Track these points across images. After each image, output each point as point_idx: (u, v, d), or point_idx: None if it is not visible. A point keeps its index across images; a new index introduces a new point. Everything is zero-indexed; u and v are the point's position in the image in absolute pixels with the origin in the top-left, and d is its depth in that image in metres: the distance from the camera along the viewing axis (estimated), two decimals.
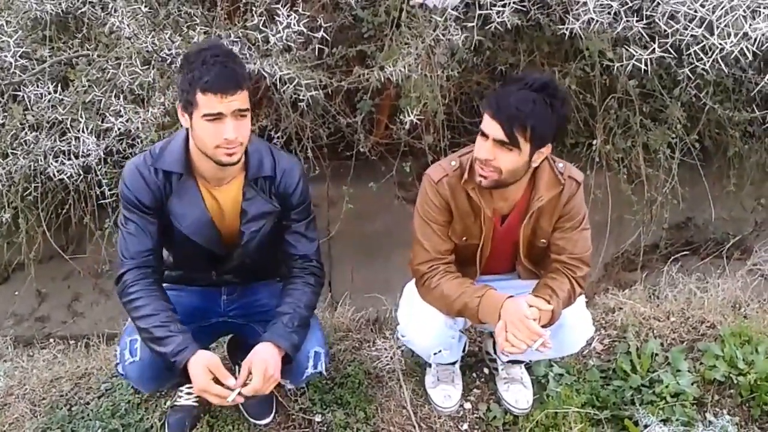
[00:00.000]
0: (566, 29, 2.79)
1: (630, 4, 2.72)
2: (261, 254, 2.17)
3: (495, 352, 2.62)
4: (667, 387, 2.56)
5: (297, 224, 2.15)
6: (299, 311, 2.08)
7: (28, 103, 2.94)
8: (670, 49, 2.68)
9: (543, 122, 1.91)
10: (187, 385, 2.44)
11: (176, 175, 2.01)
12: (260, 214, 2.08)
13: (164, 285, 2.25)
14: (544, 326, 2.04)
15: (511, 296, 2.04)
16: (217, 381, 1.93)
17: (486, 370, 2.73)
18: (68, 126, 2.91)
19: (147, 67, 2.79)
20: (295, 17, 2.68)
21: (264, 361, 1.96)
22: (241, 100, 1.84)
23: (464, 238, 2.20)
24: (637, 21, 2.71)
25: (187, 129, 1.96)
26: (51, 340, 3.20)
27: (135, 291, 2.01)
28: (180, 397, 2.47)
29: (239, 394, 1.94)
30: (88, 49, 2.97)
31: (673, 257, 3.56)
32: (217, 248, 2.13)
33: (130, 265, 2.03)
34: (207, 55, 1.82)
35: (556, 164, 2.12)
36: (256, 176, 2.05)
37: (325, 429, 2.48)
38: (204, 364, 1.92)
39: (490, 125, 1.94)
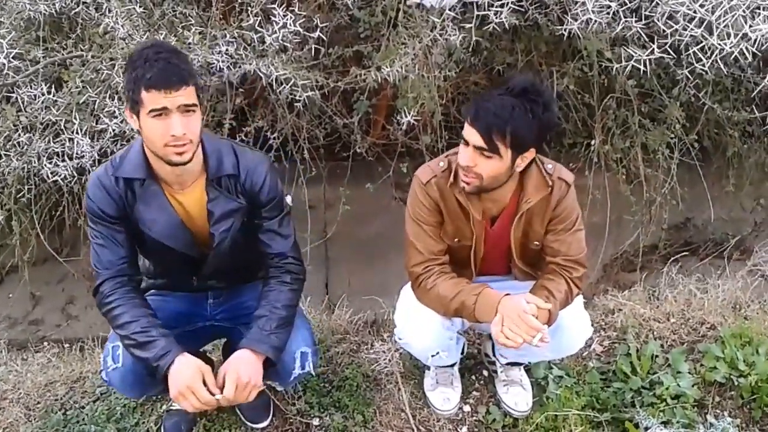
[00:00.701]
0: (564, 29, 2.79)
1: (629, 5, 2.73)
2: (237, 255, 2.14)
3: (494, 355, 2.61)
4: (667, 389, 2.56)
5: (269, 222, 2.12)
6: (276, 312, 2.05)
7: (21, 105, 2.94)
8: (669, 49, 2.69)
9: (523, 128, 1.91)
10: None
11: (138, 182, 1.99)
12: (226, 212, 2.05)
13: (150, 293, 2.25)
14: None
15: (509, 294, 2.04)
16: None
17: (485, 373, 2.73)
18: (62, 127, 2.91)
19: None
20: (291, 17, 2.68)
21: (236, 370, 1.94)
22: (186, 95, 1.81)
23: (456, 239, 2.20)
24: (635, 21, 2.72)
25: (139, 133, 1.94)
26: (45, 343, 3.19)
27: (113, 300, 1.99)
28: None
29: (217, 400, 1.92)
30: (82, 50, 2.96)
31: (672, 258, 3.56)
32: (191, 251, 2.10)
33: (106, 275, 2.02)
34: (149, 53, 1.80)
35: (545, 166, 2.12)
36: (216, 175, 2.02)
37: None
38: (195, 364, 1.91)
39: (469, 132, 1.94)
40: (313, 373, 2.25)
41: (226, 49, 2.76)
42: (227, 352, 2.53)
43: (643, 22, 2.72)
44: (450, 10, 2.76)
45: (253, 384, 1.95)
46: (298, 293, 2.16)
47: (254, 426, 2.48)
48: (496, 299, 2.02)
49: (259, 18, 2.74)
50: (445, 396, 2.58)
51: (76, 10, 2.93)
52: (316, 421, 2.51)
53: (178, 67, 1.81)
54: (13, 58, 2.86)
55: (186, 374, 1.89)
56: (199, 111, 1.88)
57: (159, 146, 1.85)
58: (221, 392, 1.92)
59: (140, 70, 1.79)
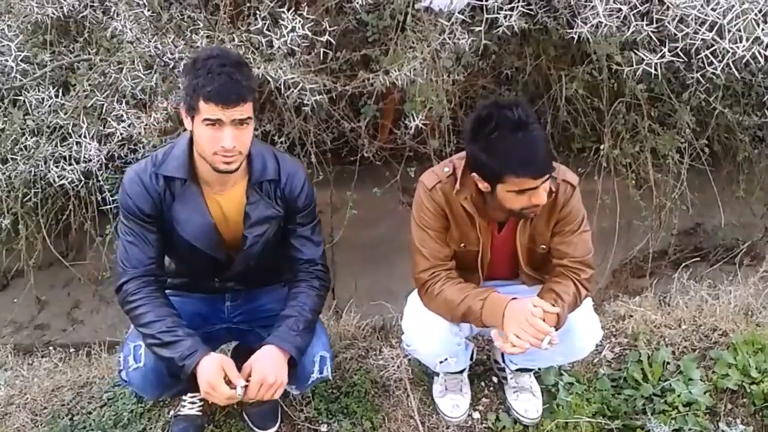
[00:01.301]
0: (574, 33, 2.78)
1: (639, 8, 2.72)
2: (264, 259, 2.17)
3: (503, 361, 2.60)
4: (679, 396, 2.55)
5: (303, 228, 2.15)
6: (304, 314, 2.08)
7: (28, 108, 2.95)
8: (679, 53, 2.68)
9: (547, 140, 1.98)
10: (191, 395, 2.43)
11: (179, 181, 2.01)
12: (264, 218, 2.08)
13: (168, 292, 2.25)
14: None
15: (515, 298, 2.03)
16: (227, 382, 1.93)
17: (495, 379, 2.72)
18: (69, 131, 2.91)
19: (149, 71, 2.80)
20: (299, 21, 2.68)
21: (263, 368, 1.96)
22: (243, 111, 1.84)
23: (462, 245, 2.19)
24: (646, 25, 2.71)
25: (190, 132, 1.96)
26: (51, 348, 3.18)
27: (138, 299, 2.01)
28: (183, 406, 2.46)
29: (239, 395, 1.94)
30: (89, 53, 2.97)
31: (682, 264, 3.55)
32: (219, 254, 2.12)
33: (132, 274, 2.03)
34: (213, 64, 1.82)
35: None
36: (259, 180, 2.05)
37: None
38: (219, 361, 1.93)
39: (523, 183, 1.92)
40: (331, 378, 2.26)
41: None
42: (238, 354, 2.54)
43: (654, 25, 2.71)
44: (459, 13, 2.76)
45: (280, 383, 1.97)
46: (323, 300, 2.19)
47: None
48: (503, 303, 2.02)
49: (267, 22, 2.74)
50: (454, 403, 2.57)
51: (84, 13, 2.94)
52: (324, 428, 2.50)
53: (240, 83, 1.83)
54: (20, 61, 2.87)
55: (207, 372, 1.90)
56: (252, 123, 1.91)
57: (208, 153, 1.88)
58: (246, 382, 1.94)
59: (202, 79, 1.81)
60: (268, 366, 1.96)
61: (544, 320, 1.97)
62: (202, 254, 2.10)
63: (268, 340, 2.02)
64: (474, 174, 2.00)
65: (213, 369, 1.91)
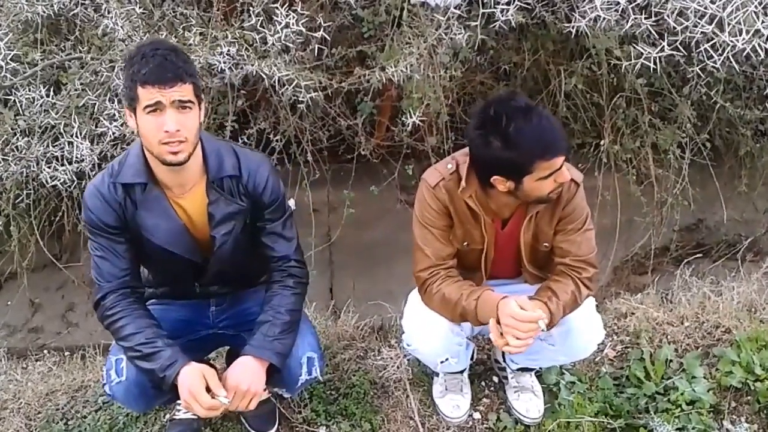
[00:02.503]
0: (572, 27, 2.78)
1: (638, 1, 2.71)
2: (239, 259, 2.13)
3: (504, 360, 2.60)
4: (682, 394, 2.55)
5: (272, 224, 2.11)
6: (280, 317, 2.05)
7: (19, 108, 2.94)
8: (679, 46, 2.67)
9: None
10: None
11: (140, 187, 1.97)
12: (227, 215, 2.04)
13: (151, 302, 2.24)
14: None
15: (506, 296, 2.03)
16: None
17: (495, 379, 2.71)
18: (61, 131, 2.90)
19: None
20: (293, 17, 2.68)
21: (236, 377, 1.94)
22: (181, 92, 1.81)
23: (466, 243, 2.19)
24: (645, 18, 2.70)
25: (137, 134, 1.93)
26: (45, 351, 3.18)
27: (116, 312, 1.98)
28: (179, 410, 2.45)
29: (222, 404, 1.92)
30: (80, 52, 2.96)
31: (685, 260, 3.54)
32: (194, 256, 2.09)
33: (108, 288, 2.01)
34: (147, 50, 1.81)
35: None
36: (218, 176, 2.01)
37: None
38: (200, 370, 1.90)
39: (553, 164, 1.92)
40: (321, 379, 2.25)
41: (228, 50, 2.75)
42: (231, 359, 2.53)
43: (653, 19, 2.70)
44: (455, 8, 2.75)
45: (253, 392, 1.95)
46: (301, 297, 2.15)
47: None
48: (495, 301, 2.02)
49: (261, 18, 2.73)
50: (454, 403, 2.57)
51: (75, 11, 2.93)
52: (322, 430, 2.50)
53: (175, 64, 1.81)
54: (11, 60, 2.86)
55: (188, 381, 1.88)
56: (197, 109, 1.87)
57: (154, 144, 1.84)
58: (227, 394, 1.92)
59: (137, 66, 1.79)
60: (242, 376, 1.95)
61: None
62: (177, 258, 2.06)
63: (244, 351, 2.00)
64: (495, 178, 1.98)
65: (194, 378, 1.88)
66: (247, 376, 1.95)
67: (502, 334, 1.99)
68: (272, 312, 2.06)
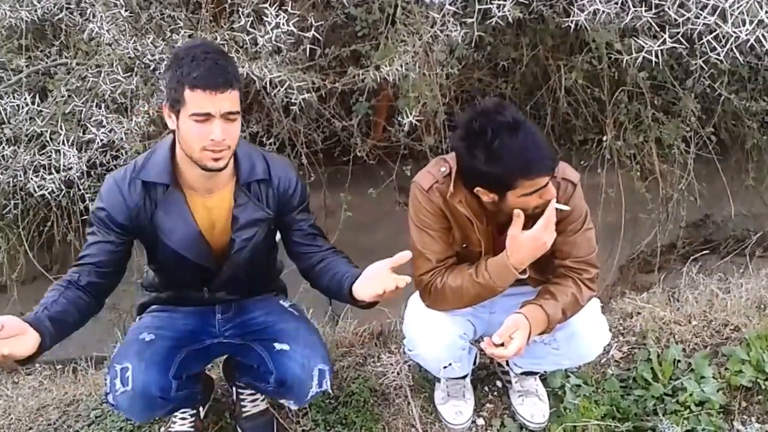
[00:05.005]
0: (571, 21, 2.78)
1: None
2: (252, 266, 2.15)
3: (508, 364, 2.60)
4: (691, 395, 2.55)
5: (307, 224, 2.15)
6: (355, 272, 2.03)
7: (4, 116, 2.94)
8: (681, 38, 2.68)
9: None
10: (182, 410, 2.42)
11: (162, 187, 2.00)
12: (252, 221, 2.07)
13: (155, 307, 2.26)
14: (542, 332, 2.07)
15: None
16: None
17: (498, 384, 2.71)
18: (48, 139, 2.91)
19: (129, 74, 2.80)
20: (284, 17, 2.68)
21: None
22: (231, 101, 1.83)
23: (464, 245, 2.20)
24: (645, 10, 2.71)
25: (173, 134, 1.95)
26: (37, 365, 3.18)
27: (59, 284, 1.96)
28: (174, 422, 2.45)
29: None
30: (66, 57, 2.98)
31: (691, 257, 3.54)
32: (207, 262, 2.11)
33: (76, 263, 2.00)
34: (197, 52, 1.82)
35: None
36: (248, 180, 2.04)
37: None
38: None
39: (536, 183, 1.93)
40: (330, 391, 2.25)
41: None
42: (228, 369, 2.54)
43: (654, 11, 2.71)
44: (450, 4, 2.76)
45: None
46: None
47: None
48: (503, 260, 2.04)
49: (251, 19, 2.74)
50: (457, 409, 2.57)
51: (60, 15, 2.94)
52: None
53: (225, 69, 1.82)
54: None
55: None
56: (240, 118, 1.90)
57: (196, 150, 1.86)
58: None
59: (186, 68, 1.80)
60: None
61: (530, 328, 2.01)
62: (189, 263, 2.09)
63: (353, 277, 1.99)
64: (478, 189, 2.00)
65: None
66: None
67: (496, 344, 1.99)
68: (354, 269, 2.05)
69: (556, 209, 2.00)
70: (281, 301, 2.34)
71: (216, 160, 1.88)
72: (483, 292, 2.11)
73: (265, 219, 2.09)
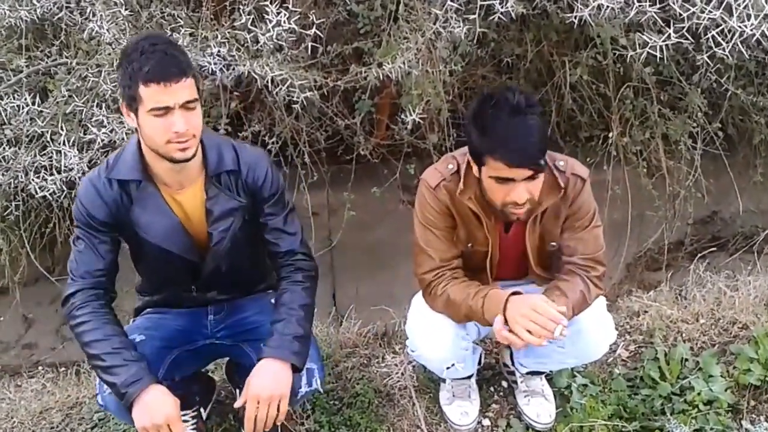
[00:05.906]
0: (575, 17, 2.78)
1: None
2: (236, 258, 2.14)
3: (513, 364, 2.60)
4: (699, 394, 2.55)
5: (274, 219, 2.12)
6: (293, 313, 2.05)
7: (4, 117, 2.95)
8: (686, 33, 2.67)
9: (546, 135, 1.97)
10: (182, 413, 2.41)
11: (134, 183, 1.99)
12: (226, 211, 2.06)
13: (149, 310, 2.25)
14: None
15: (517, 292, 2.02)
16: None
17: (504, 384, 2.71)
18: (49, 139, 2.92)
19: None
20: (285, 14, 2.68)
21: (256, 386, 1.94)
22: (188, 89, 1.82)
23: (469, 244, 2.19)
24: (650, 5, 2.70)
25: (136, 131, 1.94)
26: (39, 368, 3.20)
27: (83, 314, 1.97)
28: None
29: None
30: (67, 57, 2.98)
31: (699, 254, 3.55)
32: (190, 254, 2.09)
33: (79, 285, 2.01)
34: (145, 45, 1.80)
35: (557, 162, 2.11)
36: (216, 172, 2.03)
37: None
38: (174, 399, 1.90)
39: (513, 173, 1.91)
40: (321, 390, 2.24)
41: (219, 51, 2.77)
42: (230, 371, 2.54)
43: (658, 5, 2.70)
44: (452, 1, 2.75)
45: (278, 396, 1.94)
46: (312, 290, 2.15)
47: None
48: (502, 298, 2.00)
49: (252, 17, 2.74)
50: (462, 410, 2.57)
51: (59, 15, 2.94)
52: None
53: (176, 58, 1.82)
54: None
55: (162, 409, 1.87)
56: (200, 106, 1.89)
57: (161, 144, 1.86)
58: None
59: (136, 63, 1.79)
60: (262, 381, 1.94)
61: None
62: (174, 257, 2.07)
63: (262, 354, 2.00)
64: (468, 154, 2.04)
65: (170, 407, 1.88)
66: (268, 381, 1.94)
67: (510, 330, 1.97)
68: (285, 309, 2.06)
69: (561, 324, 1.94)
70: (273, 299, 2.33)
71: (183, 150, 1.87)
72: (471, 315, 2.11)
73: (239, 207, 2.07)
